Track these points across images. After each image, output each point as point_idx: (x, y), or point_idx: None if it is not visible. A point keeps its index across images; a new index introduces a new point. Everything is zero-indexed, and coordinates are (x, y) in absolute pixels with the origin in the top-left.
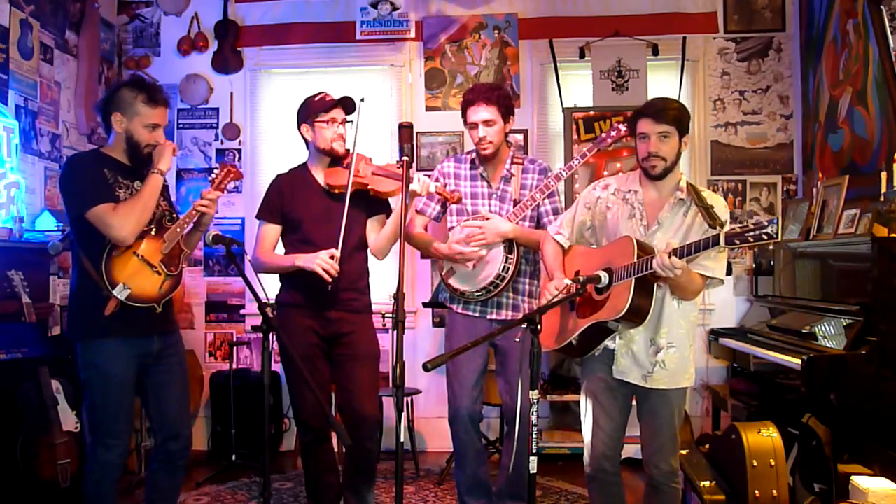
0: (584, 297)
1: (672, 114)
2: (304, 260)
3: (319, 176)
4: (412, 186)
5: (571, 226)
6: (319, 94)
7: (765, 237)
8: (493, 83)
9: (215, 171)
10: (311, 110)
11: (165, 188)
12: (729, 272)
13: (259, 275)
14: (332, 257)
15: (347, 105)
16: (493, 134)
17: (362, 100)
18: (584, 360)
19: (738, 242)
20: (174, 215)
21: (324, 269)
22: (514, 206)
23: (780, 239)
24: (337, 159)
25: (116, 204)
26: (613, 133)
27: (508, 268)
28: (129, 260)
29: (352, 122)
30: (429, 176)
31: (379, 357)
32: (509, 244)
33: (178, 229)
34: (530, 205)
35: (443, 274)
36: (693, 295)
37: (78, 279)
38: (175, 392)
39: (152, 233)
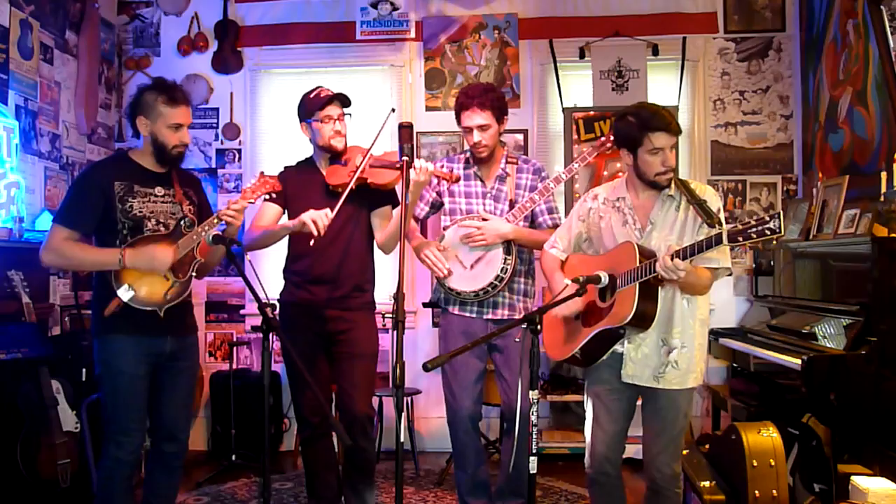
0: (589, 306)
1: (677, 123)
2: (292, 221)
3: (324, 171)
4: (411, 176)
5: (567, 238)
6: (315, 90)
7: (767, 232)
8: (485, 84)
9: (252, 180)
10: (307, 109)
11: (201, 190)
12: (729, 273)
13: (258, 275)
14: (325, 216)
15: (343, 99)
16: (487, 138)
17: (393, 110)
18: None
19: (741, 240)
20: (195, 221)
21: (313, 220)
22: (511, 205)
23: (783, 233)
24: (337, 155)
25: (76, 238)
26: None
27: (507, 268)
28: None
29: (350, 115)
30: None
31: (377, 355)
32: (507, 245)
33: (195, 237)
34: (529, 206)
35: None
36: (703, 290)
37: (97, 275)
38: (179, 396)
39: (166, 237)
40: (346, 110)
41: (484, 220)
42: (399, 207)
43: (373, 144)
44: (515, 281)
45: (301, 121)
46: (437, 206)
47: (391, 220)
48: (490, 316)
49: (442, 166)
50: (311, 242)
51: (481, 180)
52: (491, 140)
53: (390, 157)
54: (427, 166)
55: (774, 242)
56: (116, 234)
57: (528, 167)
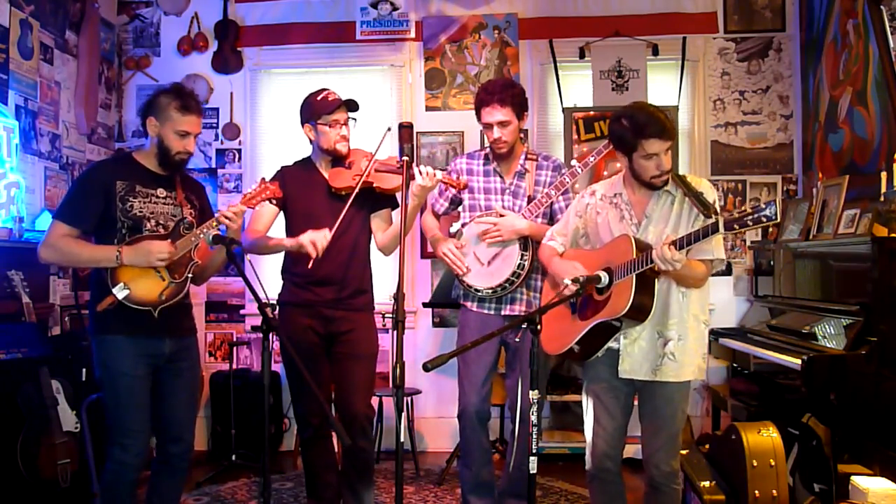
0: (586, 299)
1: (672, 126)
2: (290, 240)
3: (325, 173)
4: (418, 181)
5: (565, 234)
6: (322, 92)
7: (763, 219)
8: (506, 80)
9: (252, 186)
10: (313, 111)
11: (204, 196)
12: (729, 272)
13: (258, 275)
14: (324, 238)
15: (350, 104)
16: (507, 134)
17: (388, 129)
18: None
19: (737, 227)
20: (194, 223)
21: (312, 242)
22: (529, 202)
23: (778, 219)
24: (339, 158)
25: (75, 235)
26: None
27: (524, 265)
28: None
29: (356, 120)
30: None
31: (376, 356)
32: (524, 241)
33: (193, 238)
34: (545, 202)
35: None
36: (698, 282)
37: (93, 273)
38: (182, 396)
39: (164, 237)
40: (351, 114)
41: (500, 216)
42: (399, 210)
43: (377, 149)
44: (532, 278)
45: (305, 122)
46: (456, 202)
47: (393, 223)
48: (507, 311)
49: (456, 169)
50: (310, 265)
51: (500, 176)
52: (511, 136)
53: (394, 161)
54: (435, 173)
55: (772, 229)
56: (115, 232)
57: (549, 164)
